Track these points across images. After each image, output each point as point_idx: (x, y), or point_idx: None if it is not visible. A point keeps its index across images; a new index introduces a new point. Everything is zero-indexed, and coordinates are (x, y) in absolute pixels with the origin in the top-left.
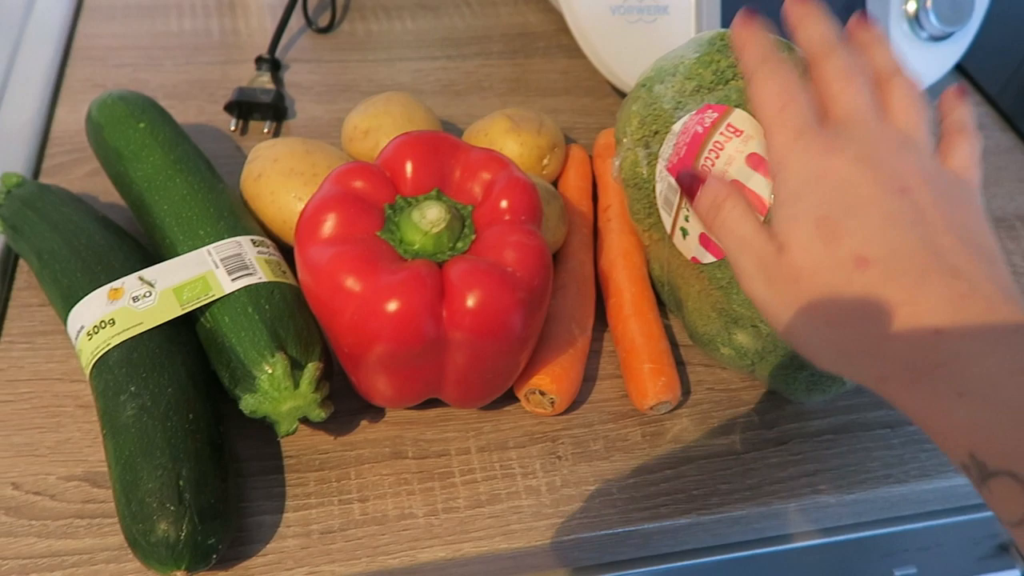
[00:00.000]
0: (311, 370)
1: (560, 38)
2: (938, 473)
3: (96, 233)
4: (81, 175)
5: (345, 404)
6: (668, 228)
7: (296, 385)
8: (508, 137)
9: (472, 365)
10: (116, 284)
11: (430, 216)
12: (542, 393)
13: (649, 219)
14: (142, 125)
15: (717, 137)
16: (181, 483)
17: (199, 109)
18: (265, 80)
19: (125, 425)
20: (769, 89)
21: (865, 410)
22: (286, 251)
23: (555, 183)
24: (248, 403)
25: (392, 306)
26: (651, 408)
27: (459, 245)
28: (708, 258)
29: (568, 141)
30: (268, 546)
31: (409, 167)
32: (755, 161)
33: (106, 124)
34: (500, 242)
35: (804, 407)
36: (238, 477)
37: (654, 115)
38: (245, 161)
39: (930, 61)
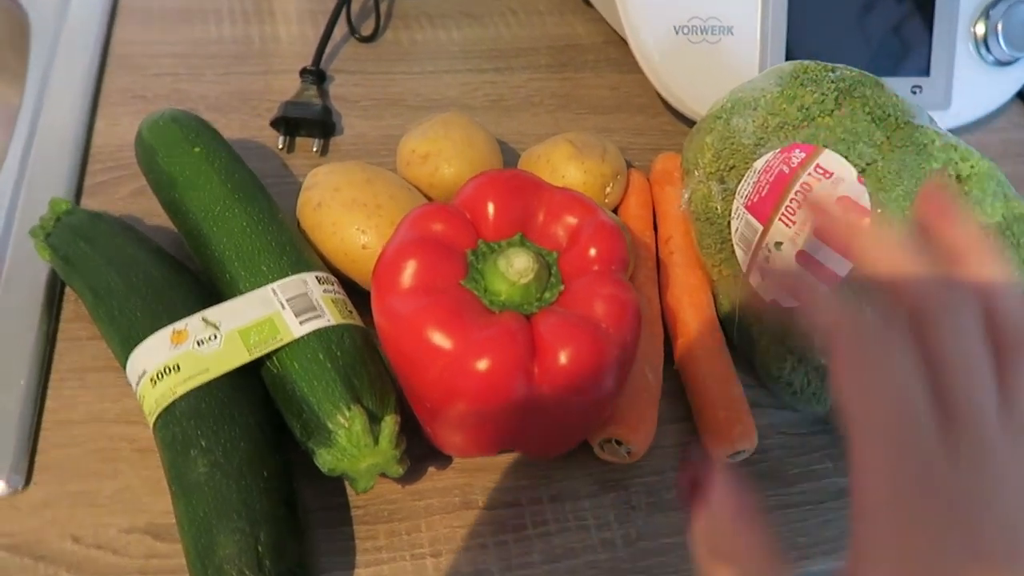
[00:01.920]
0: (390, 424)
1: (609, 51)
2: None
3: (153, 267)
4: (125, 195)
5: (411, 450)
6: (744, 266)
7: (376, 441)
8: (571, 164)
9: (557, 419)
10: (179, 326)
11: (518, 266)
12: (618, 443)
13: (720, 254)
14: (197, 150)
15: (805, 178)
16: (260, 548)
17: (242, 124)
18: (311, 93)
19: (197, 483)
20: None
21: None
22: (346, 285)
23: (615, 210)
24: (325, 460)
25: (484, 365)
26: (728, 456)
27: (546, 296)
28: (791, 302)
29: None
30: None
31: (491, 208)
32: (846, 203)
33: (160, 148)
34: (591, 294)
35: None
36: (308, 530)
37: (731, 149)
38: (301, 186)
39: (994, 86)
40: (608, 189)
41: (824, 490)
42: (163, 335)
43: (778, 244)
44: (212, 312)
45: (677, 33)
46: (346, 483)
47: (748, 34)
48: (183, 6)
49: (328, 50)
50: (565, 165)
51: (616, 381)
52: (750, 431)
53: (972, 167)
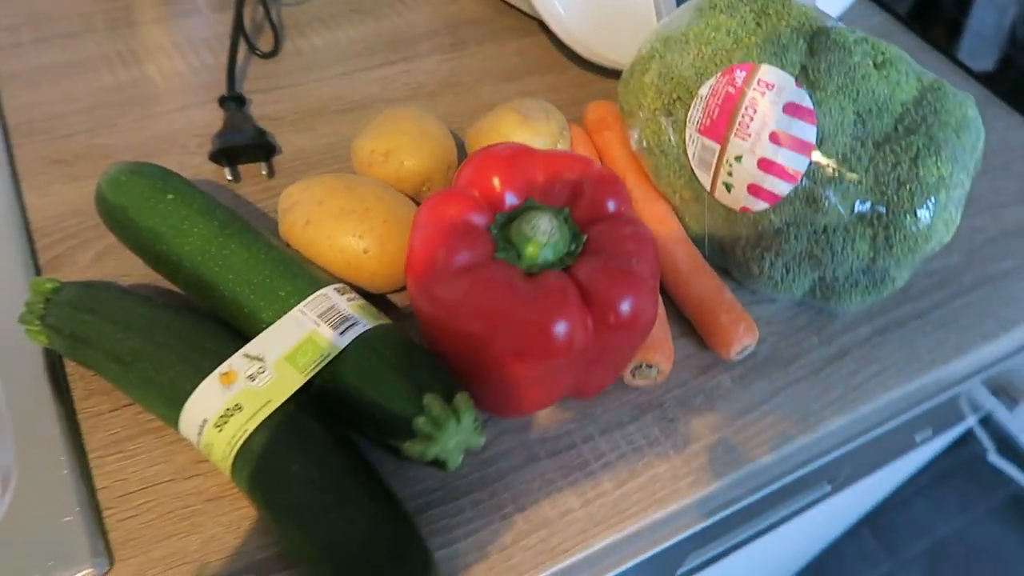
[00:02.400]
0: (464, 399)
1: (502, 20)
2: (969, 349)
3: (171, 320)
4: (88, 262)
5: None
6: (708, 186)
7: (458, 419)
8: (521, 130)
9: (609, 358)
10: (224, 368)
11: (542, 226)
12: (648, 366)
13: (679, 180)
14: (170, 197)
15: (751, 94)
16: (389, 547)
17: (179, 165)
18: (239, 119)
19: (306, 506)
20: None
21: (896, 307)
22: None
23: None
24: (416, 450)
25: (547, 324)
26: (737, 354)
27: (572, 248)
28: (761, 205)
29: None
30: None
31: (496, 182)
32: (792, 108)
33: (130, 204)
34: (613, 237)
35: (848, 318)
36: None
37: (673, 84)
38: (263, 211)
39: None
40: (559, 146)
41: (817, 360)
42: (212, 381)
43: (738, 158)
44: (252, 347)
45: None
46: (409, 475)
47: None
48: (63, 60)
49: (236, 74)
50: (515, 133)
51: (655, 310)
52: (751, 325)
53: (884, 53)
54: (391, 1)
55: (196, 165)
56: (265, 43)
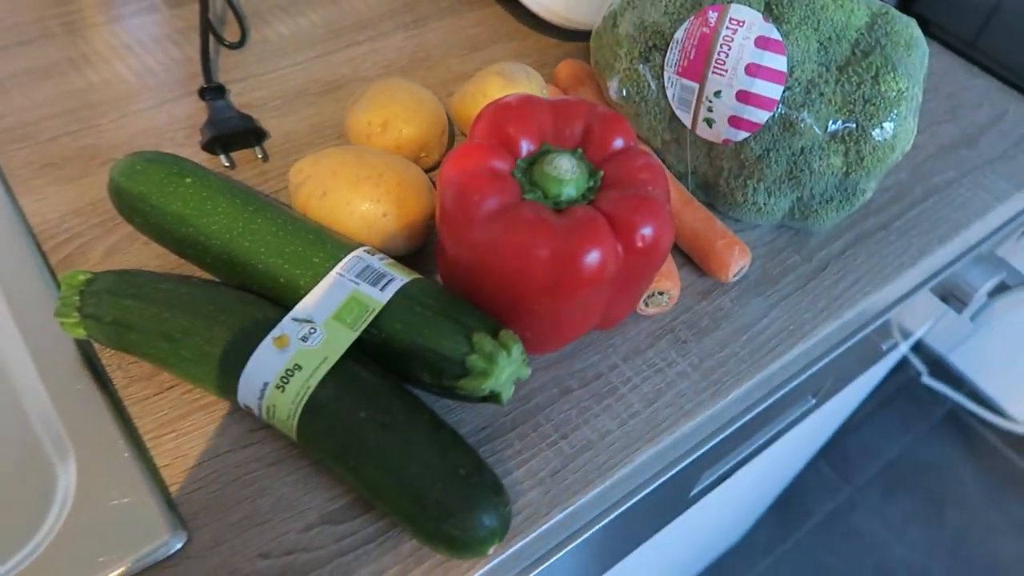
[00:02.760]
0: (509, 334)
1: None
2: (929, 251)
3: (213, 295)
4: (99, 258)
5: None
6: (689, 124)
7: (509, 352)
8: (506, 91)
9: (632, 286)
10: (276, 333)
11: (564, 166)
12: (660, 293)
13: (660, 124)
14: (189, 180)
15: (724, 32)
16: (463, 472)
17: None
18: (223, 109)
19: (381, 447)
20: None
21: (862, 221)
22: None
23: None
24: (474, 386)
25: (584, 254)
26: (734, 275)
27: (591, 183)
28: (742, 135)
29: None
30: (517, 505)
31: (512, 131)
32: (763, 42)
33: (150, 191)
34: (627, 170)
35: (822, 236)
36: None
37: (649, 33)
38: (288, 186)
39: None
40: None
41: (801, 276)
42: (266, 347)
43: (717, 93)
44: (298, 311)
45: None
46: (455, 417)
47: None
48: (28, 67)
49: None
50: (500, 94)
51: (673, 233)
52: (744, 248)
53: None
54: None
55: (189, 156)
56: (231, 34)
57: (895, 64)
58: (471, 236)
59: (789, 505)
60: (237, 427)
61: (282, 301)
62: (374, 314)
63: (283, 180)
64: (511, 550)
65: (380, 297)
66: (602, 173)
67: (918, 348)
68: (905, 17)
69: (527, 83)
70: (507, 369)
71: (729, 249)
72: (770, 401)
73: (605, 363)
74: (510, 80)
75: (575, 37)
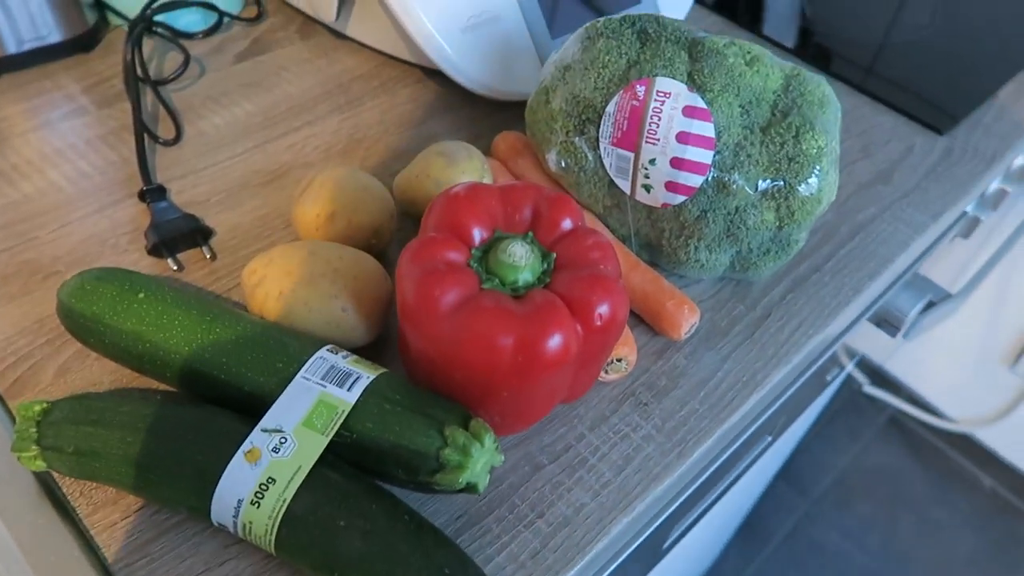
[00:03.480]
0: (481, 424)
1: (385, 72)
2: (862, 287)
3: (176, 412)
4: (51, 379)
5: None
6: (628, 191)
7: (482, 443)
8: (450, 171)
9: (595, 358)
10: (246, 447)
11: (518, 252)
12: (619, 360)
13: (600, 191)
14: (142, 295)
15: (654, 104)
16: (448, 572)
17: (115, 264)
18: (165, 210)
19: (364, 555)
20: None
21: (797, 267)
22: None
23: None
24: (449, 479)
25: (548, 339)
26: (686, 333)
27: (546, 267)
28: (679, 199)
29: None
30: None
31: (464, 221)
32: (690, 111)
33: (103, 311)
34: (578, 249)
35: (762, 284)
36: None
37: (581, 107)
38: (240, 286)
39: None
40: (484, 180)
41: (748, 325)
42: (238, 462)
43: (652, 161)
44: (267, 421)
45: (464, 34)
46: (430, 508)
47: (511, 15)
48: None
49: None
50: (446, 174)
51: (628, 307)
52: (693, 306)
53: (750, 52)
54: (275, 71)
55: (134, 262)
56: (166, 131)
57: (812, 123)
58: (435, 330)
59: (752, 528)
60: (211, 543)
61: (249, 410)
62: (343, 416)
63: (234, 278)
64: None
65: (348, 398)
66: (555, 255)
67: (859, 361)
68: (815, 76)
69: (468, 161)
70: (481, 459)
71: (679, 309)
72: (731, 450)
73: (572, 434)
74: (452, 160)
75: (506, 107)
